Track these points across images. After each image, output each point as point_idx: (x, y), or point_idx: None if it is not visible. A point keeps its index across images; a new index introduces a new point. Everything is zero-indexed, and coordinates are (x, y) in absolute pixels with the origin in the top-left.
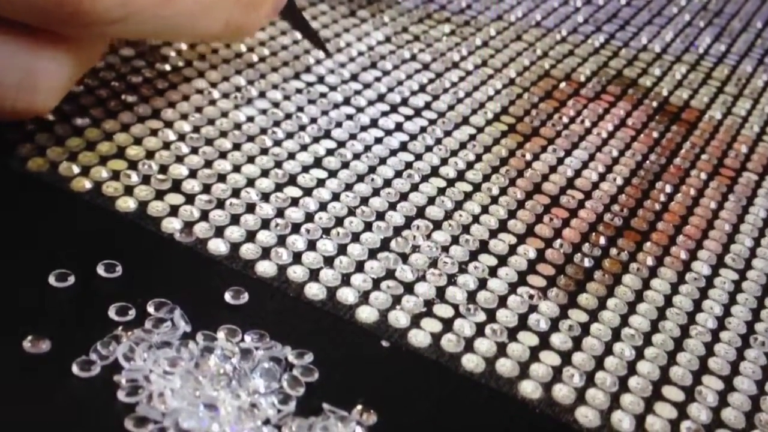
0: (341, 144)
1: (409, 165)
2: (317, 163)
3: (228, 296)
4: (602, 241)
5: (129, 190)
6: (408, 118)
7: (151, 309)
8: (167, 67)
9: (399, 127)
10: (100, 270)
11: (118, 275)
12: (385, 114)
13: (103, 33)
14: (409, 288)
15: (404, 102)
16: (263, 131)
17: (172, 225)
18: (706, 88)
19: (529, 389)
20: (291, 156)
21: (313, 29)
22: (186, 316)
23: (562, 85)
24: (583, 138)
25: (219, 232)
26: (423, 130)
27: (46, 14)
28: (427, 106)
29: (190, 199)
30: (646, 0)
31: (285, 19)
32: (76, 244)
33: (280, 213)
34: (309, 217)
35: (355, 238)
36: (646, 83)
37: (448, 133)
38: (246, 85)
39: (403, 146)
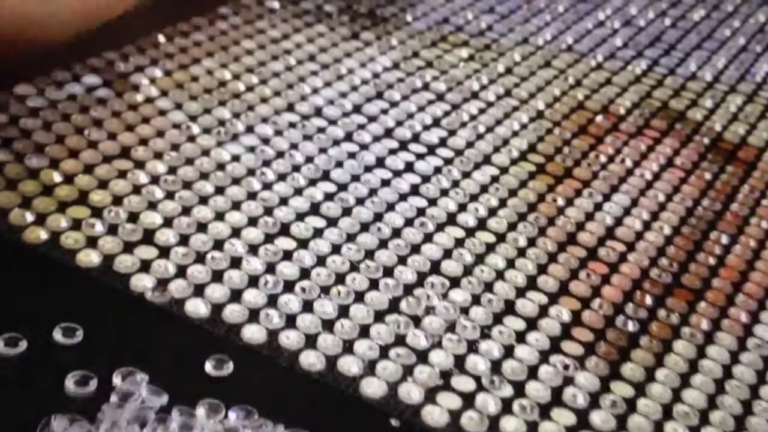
0: (342, 187)
1: (421, 212)
2: (314, 209)
3: (209, 366)
4: (648, 300)
5: (92, 242)
6: (420, 156)
7: (116, 380)
8: (138, 98)
9: (410, 167)
10: (57, 335)
11: (78, 341)
12: (393, 152)
13: None
14: (422, 356)
15: (415, 138)
16: (251, 172)
17: (143, 283)
18: (766, 123)
19: None
20: (283, 201)
21: None
22: (158, 389)
23: (599, 118)
24: (623, 180)
25: (199, 290)
26: (437, 170)
27: None
28: (442, 142)
29: (164, 252)
30: (694, 21)
31: None
32: (29, 304)
33: (270, 268)
34: (305, 274)
35: (359, 297)
36: (695, 116)
37: (466, 175)
38: (231, 118)
39: (415, 190)
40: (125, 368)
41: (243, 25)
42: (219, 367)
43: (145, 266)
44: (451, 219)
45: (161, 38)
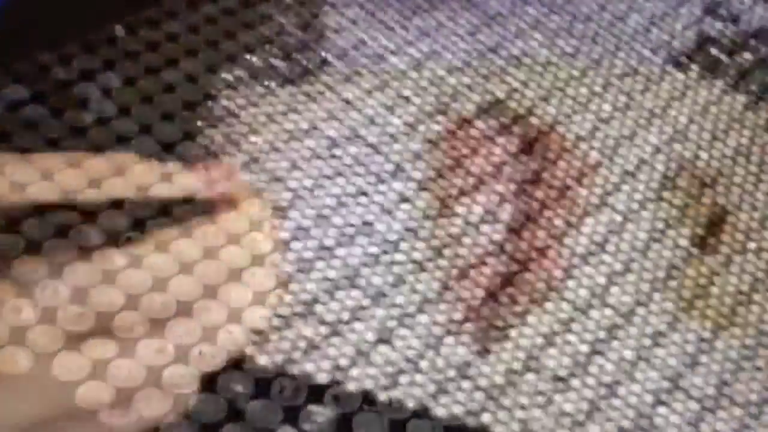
0: None
1: None
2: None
3: None
4: None
5: (18, 336)
6: None
7: None
8: (86, 118)
9: None
10: None
11: None
12: None
13: None
14: None
15: None
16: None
17: (95, 394)
18: None
19: None
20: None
21: None
22: None
23: None
24: None
25: (181, 405)
26: None
27: None
28: None
29: (127, 347)
30: None
31: None
32: None
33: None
34: None
35: None
36: None
37: None
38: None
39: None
40: None
41: (241, 10)
42: None
43: (98, 370)
44: None
45: (119, 30)
